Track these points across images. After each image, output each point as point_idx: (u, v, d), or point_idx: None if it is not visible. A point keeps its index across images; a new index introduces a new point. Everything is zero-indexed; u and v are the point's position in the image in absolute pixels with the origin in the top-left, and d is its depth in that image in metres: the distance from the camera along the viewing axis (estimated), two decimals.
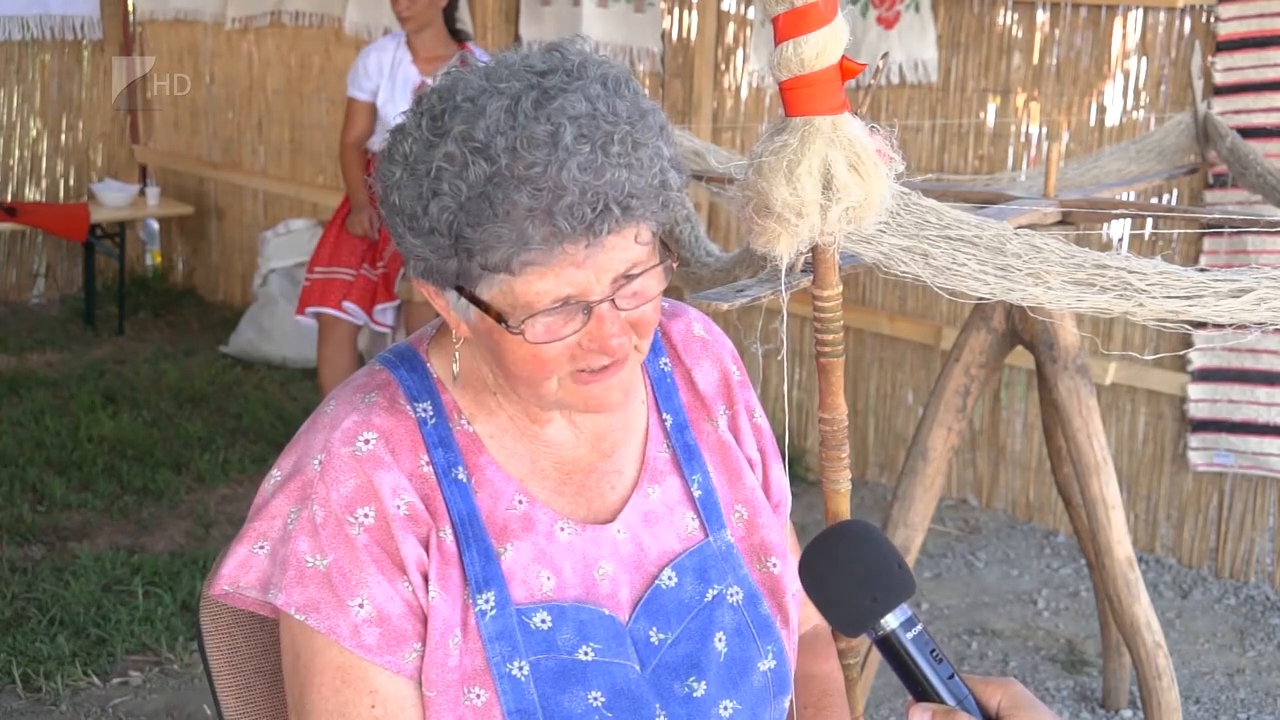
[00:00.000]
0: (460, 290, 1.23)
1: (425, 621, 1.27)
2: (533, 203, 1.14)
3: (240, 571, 1.30)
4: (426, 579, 1.27)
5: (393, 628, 1.26)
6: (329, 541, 1.25)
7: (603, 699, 1.29)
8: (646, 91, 1.25)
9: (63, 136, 7.05)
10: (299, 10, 6.25)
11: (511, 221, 1.14)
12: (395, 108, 4.55)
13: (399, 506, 1.26)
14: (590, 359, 1.24)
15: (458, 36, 4.66)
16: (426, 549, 1.27)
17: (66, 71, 6.97)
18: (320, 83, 6.31)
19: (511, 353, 1.23)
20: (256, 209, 6.75)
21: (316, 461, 1.27)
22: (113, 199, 6.63)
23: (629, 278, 1.21)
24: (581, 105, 1.16)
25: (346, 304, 4.64)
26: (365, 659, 1.25)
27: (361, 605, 1.25)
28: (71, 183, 7.08)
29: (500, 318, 1.21)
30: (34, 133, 6.97)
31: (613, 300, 1.21)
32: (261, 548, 1.29)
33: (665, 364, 1.45)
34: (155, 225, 7.14)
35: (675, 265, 1.27)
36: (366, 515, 1.26)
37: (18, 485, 4.42)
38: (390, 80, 4.60)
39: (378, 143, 4.67)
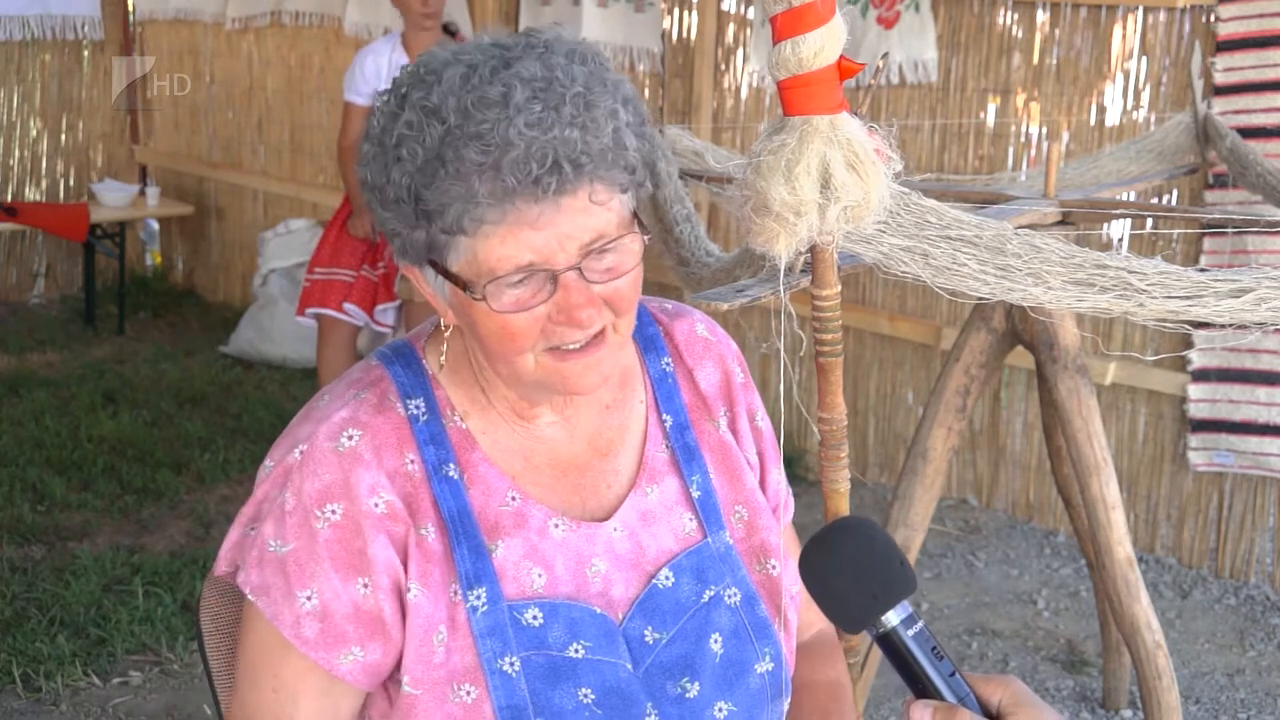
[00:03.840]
0: (434, 266, 1.25)
1: (372, 626, 1.27)
2: (481, 158, 1.16)
3: (237, 552, 1.33)
4: (397, 581, 1.27)
5: (333, 626, 1.26)
6: (292, 530, 1.27)
7: (593, 696, 1.28)
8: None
9: (63, 136, 7.05)
10: (299, 10, 6.25)
11: (461, 178, 1.17)
12: None
13: (376, 504, 1.27)
14: (563, 333, 1.24)
15: (447, 30, 4.69)
16: (405, 548, 1.27)
17: (66, 71, 6.97)
18: (320, 83, 6.31)
19: (483, 324, 1.24)
20: (256, 209, 6.75)
21: (299, 451, 1.29)
22: (113, 199, 6.63)
23: (601, 252, 1.22)
24: (537, 69, 1.18)
25: (347, 305, 4.64)
26: (298, 650, 1.27)
27: (309, 598, 1.26)
28: (71, 183, 7.08)
29: (466, 286, 1.22)
30: (34, 133, 6.97)
31: (579, 270, 1.21)
32: (253, 529, 1.32)
33: (667, 364, 1.45)
34: (155, 225, 7.14)
35: (646, 238, 1.27)
36: (334, 512, 1.26)
37: (18, 485, 4.42)
38: (387, 83, 4.61)
39: None
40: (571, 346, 1.25)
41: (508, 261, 1.20)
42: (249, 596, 1.28)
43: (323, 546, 1.26)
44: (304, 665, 1.27)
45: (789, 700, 1.43)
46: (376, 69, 4.62)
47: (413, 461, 1.30)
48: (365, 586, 1.26)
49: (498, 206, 1.17)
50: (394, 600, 1.27)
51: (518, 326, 1.23)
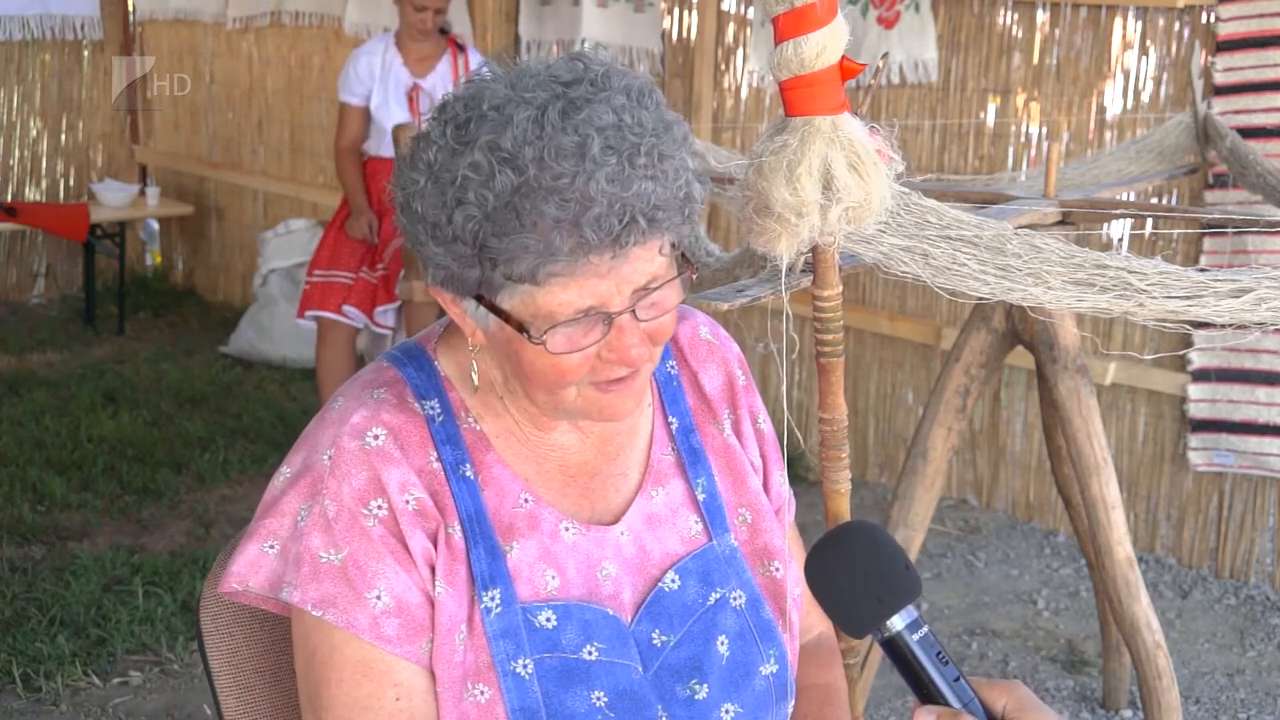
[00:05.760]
0: (480, 299, 1.23)
1: (432, 613, 1.27)
2: (560, 214, 1.14)
3: (250, 570, 1.30)
4: (434, 574, 1.27)
5: (411, 618, 1.26)
6: (343, 535, 1.25)
7: (605, 699, 1.29)
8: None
9: (63, 136, 7.05)
10: (299, 10, 6.25)
11: (538, 232, 1.15)
12: (389, 111, 4.56)
13: (407, 502, 1.27)
14: (610, 369, 1.25)
15: (441, 32, 4.69)
16: (435, 545, 1.27)
17: (66, 71, 6.97)
18: (320, 83, 6.31)
19: (530, 362, 1.24)
20: (256, 209, 6.75)
21: (326, 456, 1.28)
22: (113, 199, 6.63)
23: (648, 290, 1.22)
24: (608, 116, 1.16)
25: (346, 307, 4.63)
26: (386, 651, 1.25)
27: (379, 597, 1.25)
28: (71, 183, 7.08)
29: (521, 327, 1.21)
30: (34, 133, 6.97)
31: (633, 311, 1.22)
32: (271, 547, 1.29)
33: (672, 367, 1.46)
34: (155, 225, 7.14)
35: (694, 276, 1.27)
36: (380, 507, 1.26)
37: (18, 485, 4.42)
38: (382, 84, 4.60)
39: (374, 146, 4.68)
40: (615, 378, 1.26)
41: (569, 307, 1.19)
42: (312, 612, 1.25)
43: (379, 543, 1.25)
44: (407, 666, 1.26)
45: (793, 703, 1.43)
46: (370, 69, 4.61)
47: (436, 460, 1.30)
48: (420, 575, 1.26)
49: (572, 261, 1.16)
50: (435, 593, 1.27)
51: (569, 365, 1.23)
